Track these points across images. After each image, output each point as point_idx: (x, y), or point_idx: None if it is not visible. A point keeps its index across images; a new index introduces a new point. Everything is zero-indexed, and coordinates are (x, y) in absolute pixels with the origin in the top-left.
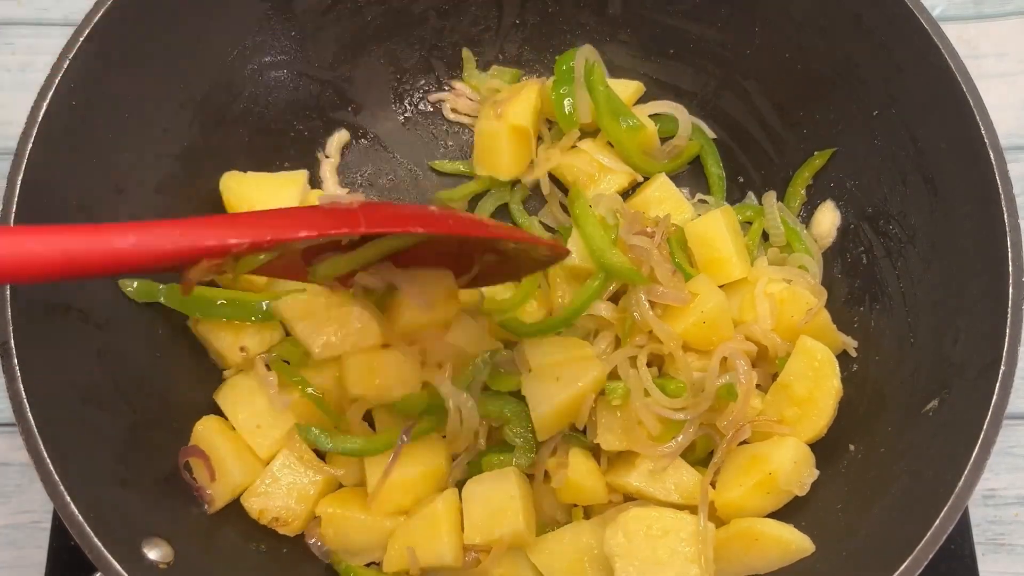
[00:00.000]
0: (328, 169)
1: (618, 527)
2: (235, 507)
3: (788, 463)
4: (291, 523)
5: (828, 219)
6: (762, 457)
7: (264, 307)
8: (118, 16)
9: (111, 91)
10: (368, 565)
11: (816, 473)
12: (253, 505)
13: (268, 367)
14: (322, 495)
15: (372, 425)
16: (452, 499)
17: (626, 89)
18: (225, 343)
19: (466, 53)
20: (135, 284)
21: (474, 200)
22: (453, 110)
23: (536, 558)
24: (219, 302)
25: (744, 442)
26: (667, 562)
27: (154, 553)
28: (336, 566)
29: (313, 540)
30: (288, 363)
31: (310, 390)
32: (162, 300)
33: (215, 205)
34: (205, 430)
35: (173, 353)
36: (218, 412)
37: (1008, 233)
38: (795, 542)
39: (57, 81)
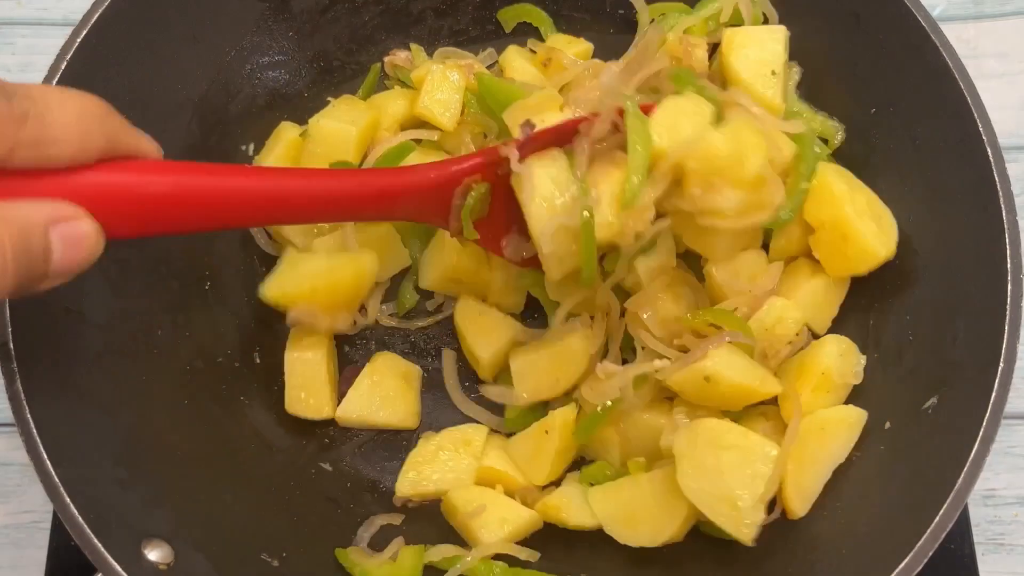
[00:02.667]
0: None
1: (691, 430)
2: (240, 515)
3: (835, 357)
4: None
5: None
6: (809, 362)
7: None
8: (116, 16)
9: (108, 91)
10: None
11: (863, 358)
12: None
13: None
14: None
15: None
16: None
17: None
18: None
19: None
20: None
21: None
22: None
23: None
24: None
25: None
26: (727, 473)
27: (154, 554)
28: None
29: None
30: None
31: None
32: None
33: None
34: None
35: (171, 354)
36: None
37: (1007, 231)
38: (853, 415)
39: (55, 81)
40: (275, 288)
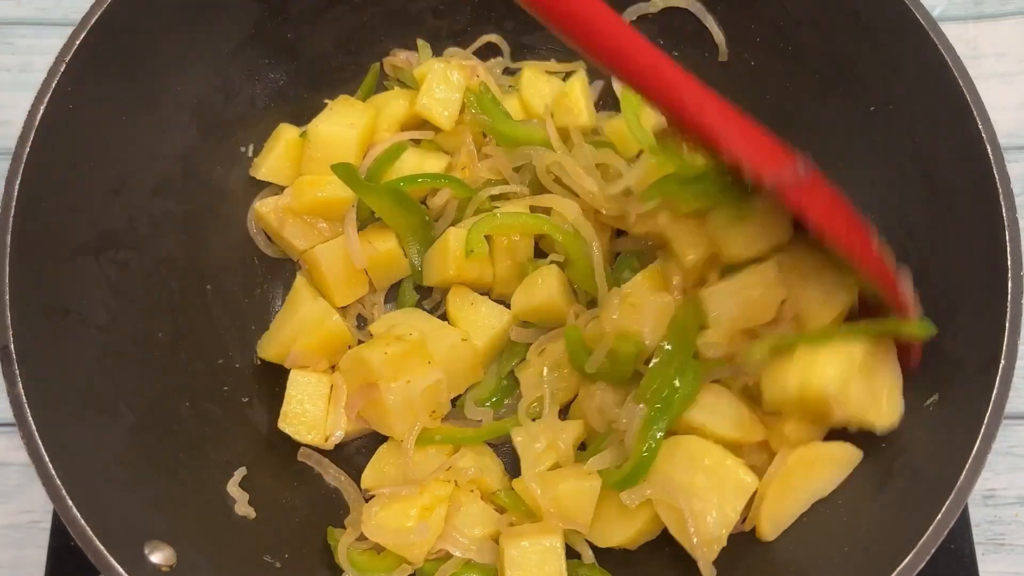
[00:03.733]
0: None
1: (672, 443)
2: (242, 516)
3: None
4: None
5: None
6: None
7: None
8: (116, 17)
9: (108, 93)
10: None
11: None
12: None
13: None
14: None
15: None
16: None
17: None
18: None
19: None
20: None
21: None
22: None
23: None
24: None
25: None
26: (698, 495)
27: (156, 556)
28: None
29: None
30: None
31: None
32: None
33: (211, 207)
34: None
35: (172, 356)
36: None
37: (1007, 229)
38: (846, 454)
39: (54, 83)
40: (269, 348)
